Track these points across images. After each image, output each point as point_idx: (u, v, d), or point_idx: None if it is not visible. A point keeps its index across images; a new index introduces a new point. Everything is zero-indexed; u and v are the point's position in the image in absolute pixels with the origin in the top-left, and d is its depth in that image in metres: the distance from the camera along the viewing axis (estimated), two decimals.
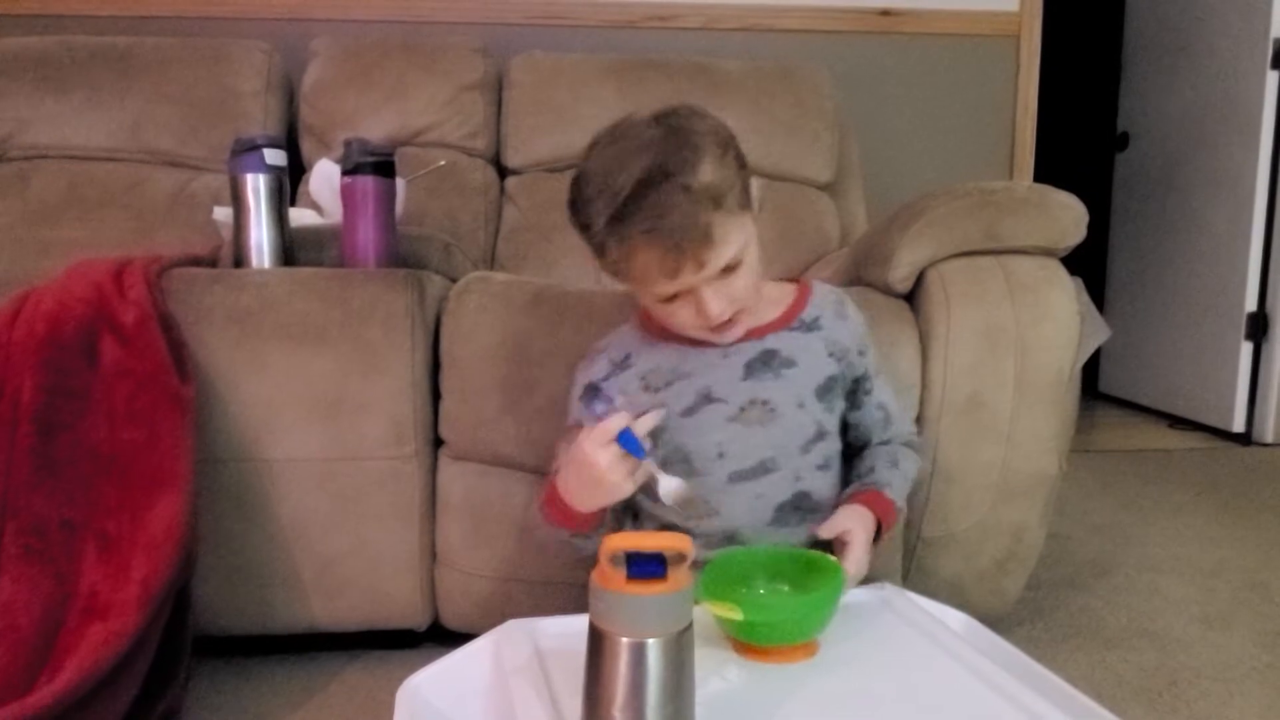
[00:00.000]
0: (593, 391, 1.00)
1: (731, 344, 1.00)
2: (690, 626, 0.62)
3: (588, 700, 0.63)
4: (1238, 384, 2.88)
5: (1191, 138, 3.12)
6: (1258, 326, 2.86)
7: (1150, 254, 3.35)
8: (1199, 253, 3.08)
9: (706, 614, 0.76)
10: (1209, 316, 3.02)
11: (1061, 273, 1.32)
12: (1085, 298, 1.33)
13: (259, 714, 1.21)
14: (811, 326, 1.02)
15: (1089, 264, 1.59)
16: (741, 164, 0.94)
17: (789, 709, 0.71)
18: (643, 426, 0.88)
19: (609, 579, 0.61)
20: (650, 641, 0.60)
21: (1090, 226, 1.34)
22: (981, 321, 1.27)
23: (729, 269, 0.91)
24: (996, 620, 1.32)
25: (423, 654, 1.26)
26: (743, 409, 0.98)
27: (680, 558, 0.62)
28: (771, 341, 1.01)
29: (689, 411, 0.98)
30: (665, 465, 0.91)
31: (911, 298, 1.34)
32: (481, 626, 0.89)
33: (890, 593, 0.93)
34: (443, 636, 1.37)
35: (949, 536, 1.34)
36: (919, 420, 1.30)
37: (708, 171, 0.87)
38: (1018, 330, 1.27)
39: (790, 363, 1.00)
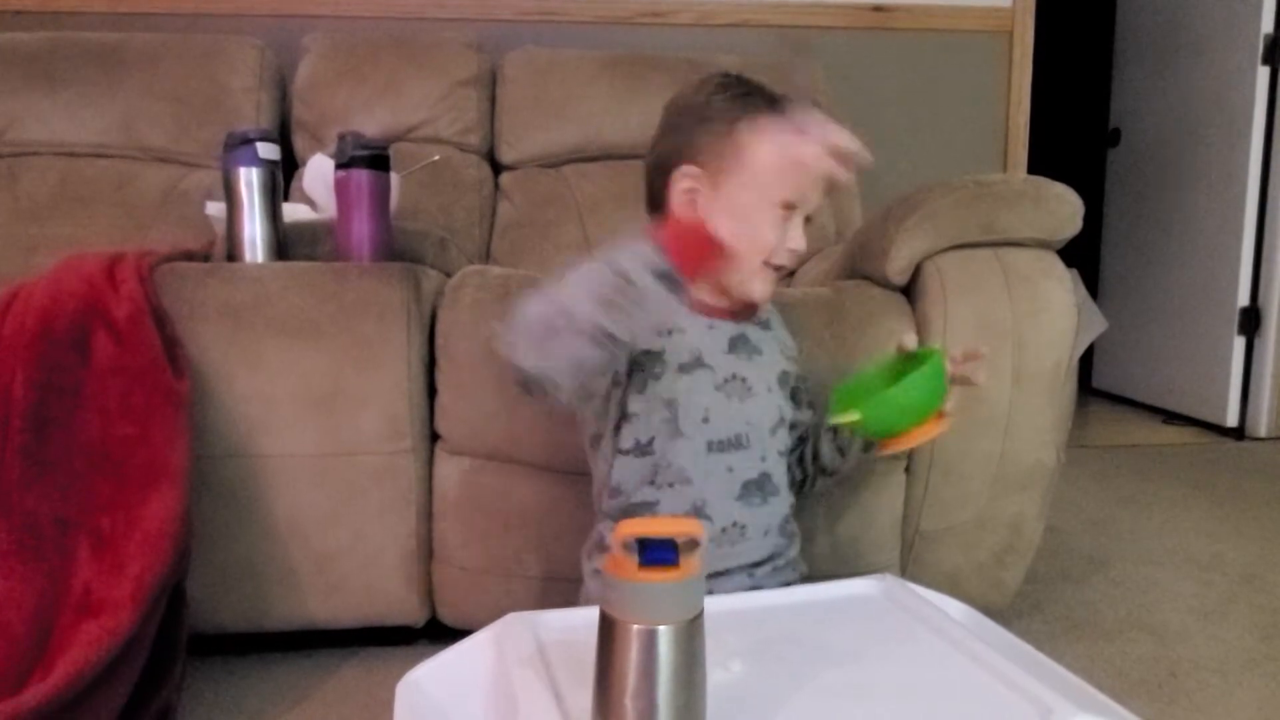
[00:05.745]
0: None
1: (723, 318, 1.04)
2: (701, 615, 0.61)
3: (598, 689, 0.62)
4: (1230, 379, 2.89)
5: (1183, 133, 3.13)
6: (1250, 321, 2.88)
7: (1142, 250, 3.37)
8: (1191, 248, 3.10)
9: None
10: (1201, 312, 3.03)
11: (1058, 265, 1.32)
12: (1082, 289, 1.33)
13: (255, 712, 1.20)
14: (766, 326, 1.09)
15: (1082, 260, 1.60)
16: None
17: (792, 699, 0.71)
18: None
19: (621, 566, 0.60)
20: (662, 629, 0.59)
21: (1083, 223, 1.34)
22: (978, 314, 1.27)
23: (809, 219, 1.00)
24: (995, 613, 1.31)
25: (420, 651, 1.25)
26: (727, 380, 1.01)
27: (692, 544, 0.61)
28: (744, 329, 1.05)
29: (685, 369, 0.99)
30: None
31: (908, 290, 1.34)
32: (478, 623, 0.88)
33: (891, 583, 0.93)
34: (440, 633, 1.36)
35: (947, 529, 1.34)
36: None
37: None
38: (1014, 322, 1.27)
39: (758, 350, 1.05)
